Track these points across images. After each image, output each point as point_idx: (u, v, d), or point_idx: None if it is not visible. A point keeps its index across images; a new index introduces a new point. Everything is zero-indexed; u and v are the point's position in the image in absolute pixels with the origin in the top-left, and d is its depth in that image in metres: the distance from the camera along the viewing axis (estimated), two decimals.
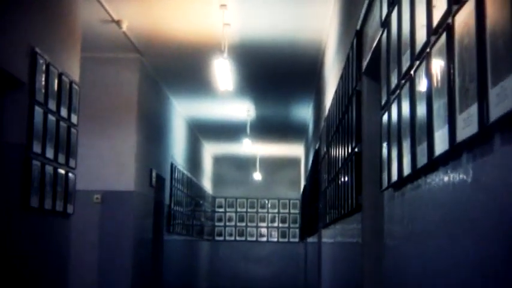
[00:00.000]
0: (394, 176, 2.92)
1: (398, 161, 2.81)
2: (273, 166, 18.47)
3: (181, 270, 13.02)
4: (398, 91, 2.83)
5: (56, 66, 5.58)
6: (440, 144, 2.09)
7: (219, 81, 7.85)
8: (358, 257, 4.43)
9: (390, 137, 3.05)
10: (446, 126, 2.00)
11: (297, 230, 18.20)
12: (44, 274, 5.42)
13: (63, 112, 5.77)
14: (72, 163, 6.00)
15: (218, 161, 18.70)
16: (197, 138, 15.19)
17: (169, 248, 11.29)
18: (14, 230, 4.85)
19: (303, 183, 15.52)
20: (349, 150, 4.77)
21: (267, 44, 8.39)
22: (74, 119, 6.07)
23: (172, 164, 11.55)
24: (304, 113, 12.64)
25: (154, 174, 9.85)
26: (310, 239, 11.49)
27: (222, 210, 18.67)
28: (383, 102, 3.28)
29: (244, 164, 18.42)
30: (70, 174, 5.98)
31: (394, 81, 2.95)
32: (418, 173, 2.51)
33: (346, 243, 5.33)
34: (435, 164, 2.23)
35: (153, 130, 10.05)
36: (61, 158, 5.70)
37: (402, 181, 2.82)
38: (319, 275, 8.80)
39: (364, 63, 4.25)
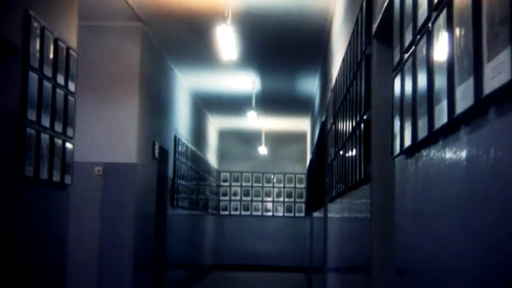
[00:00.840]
0: (408, 141, 2.70)
1: (412, 124, 2.58)
2: (279, 140, 18.26)
3: (186, 244, 12.87)
4: (413, 47, 2.59)
5: (51, 31, 5.35)
6: (463, 100, 1.86)
7: (223, 49, 7.59)
8: (367, 232, 4.22)
9: (403, 99, 2.81)
10: (471, 78, 1.76)
11: (303, 205, 18.04)
12: (41, 245, 5.24)
13: (60, 79, 5.55)
14: (69, 132, 5.79)
15: (223, 135, 18.50)
16: (202, 111, 14.97)
17: (173, 222, 11.12)
18: (8, 199, 4.66)
19: (308, 157, 15.31)
20: (358, 119, 4.55)
21: (272, 11, 8.12)
22: (72, 86, 5.86)
23: (175, 137, 11.34)
24: (310, 85, 12.39)
25: (157, 147, 9.64)
26: (316, 214, 11.31)
27: (227, 184, 18.50)
28: (395, 63, 3.05)
29: (249, 138, 18.21)
30: (68, 144, 5.78)
31: (408, 38, 2.72)
32: (435, 135, 2.28)
33: (354, 217, 5.12)
34: (456, 123, 2.00)
35: (156, 102, 9.83)
36: (58, 127, 5.50)
37: (416, 146, 2.59)
38: (325, 250, 8.62)
39: (374, 26, 4.00)
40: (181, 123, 12.09)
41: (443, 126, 2.10)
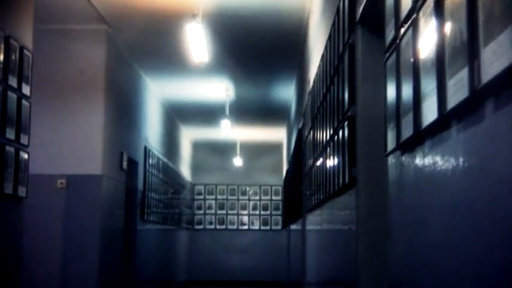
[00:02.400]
0: (408, 131, 2.24)
1: (414, 109, 2.12)
2: (254, 151, 17.77)
3: (157, 261, 12.32)
4: (414, 15, 2.14)
5: (2, 28, 4.86)
6: (491, 64, 1.41)
7: (193, 50, 7.10)
8: (352, 245, 3.76)
9: (400, 82, 2.36)
10: (506, 33, 1.30)
11: (280, 218, 17.56)
12: None
13: (12, 81, 5.05)
14: (24, 140, 5.28)
15: (197, 146, 17.98)
16: (174, 122, 14.46)
17: (143, 237, 10.58)
18: None
19: (285, 168, 14.84)
20: (340, 117, 4.10)
21: (245, 11, 7.67)
22: (26, 89, 5.35)
23: (146, 148, 10.83)
24: (286, 93, 11.95)
25: (125, 158, 9.12)
26: (293, 226, 10.85)
27: (201, 197, 17.96)
28: (388, 42, 2.60)
29: (224, 149, 17.71)
30: (22, 153, 5.26)
31: (406, 8, 2.27)
32: (446, 118, 1.82)
33: (336, 228, 4.66)
34: (480, 96, 1.54)
35: (124, 110, 9.32)
36: (10, 134, 4.99)
37: (419, 136, 2.14)
38: (303, 264, 8.15)
39: (359, 10, 3.57)
40: (152, 134, 11.58)
41: (461, 104, 1.64)
